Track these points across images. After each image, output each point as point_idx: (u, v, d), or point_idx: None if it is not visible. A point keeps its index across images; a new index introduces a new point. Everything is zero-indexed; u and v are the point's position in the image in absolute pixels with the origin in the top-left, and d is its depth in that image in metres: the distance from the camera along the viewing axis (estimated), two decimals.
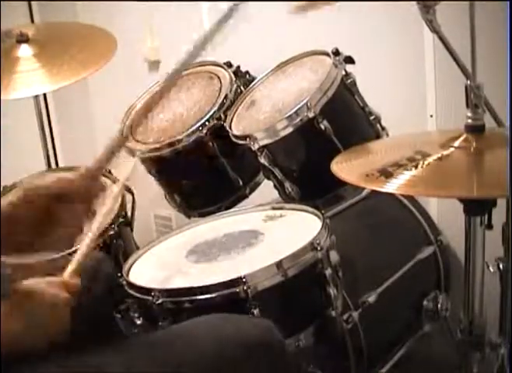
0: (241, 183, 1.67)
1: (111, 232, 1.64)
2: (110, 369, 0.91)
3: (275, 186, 1.60)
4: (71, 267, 0.99)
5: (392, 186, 1.01)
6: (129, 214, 1.73)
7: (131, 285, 1.26)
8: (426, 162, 1.04)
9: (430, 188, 1.03)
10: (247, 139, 1.48)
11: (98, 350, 0.95)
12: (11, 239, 0.94)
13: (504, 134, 1.17)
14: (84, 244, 1.03)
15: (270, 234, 1.39)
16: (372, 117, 1.54)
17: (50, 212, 0.97)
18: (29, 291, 0.91)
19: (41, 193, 0.97)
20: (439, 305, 1.64)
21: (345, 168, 1.17)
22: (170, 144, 1.62)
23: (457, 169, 1.06)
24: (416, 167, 1.03)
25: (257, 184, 1.73)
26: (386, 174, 1.03)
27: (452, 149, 1.07)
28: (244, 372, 0.97)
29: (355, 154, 1.27)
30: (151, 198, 1.92)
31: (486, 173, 1.06)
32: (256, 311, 1.18)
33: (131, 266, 1.38)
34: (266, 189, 1.68)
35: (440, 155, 1.06)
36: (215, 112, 1.62)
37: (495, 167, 1.04)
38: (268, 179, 1.60)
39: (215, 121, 1.61)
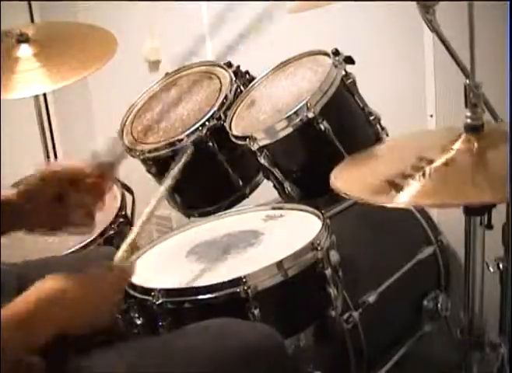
0: (241, 183, 1.67)
1: (111, 232, 1.64)
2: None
3: (274, 186, 1.60)
4: (121, 251, 1.07)
5: (406, 200, 0.99)
6: (129, 214, 1.74)
7: (131, 285, 1.26)
8: (432, 170, 1.02)
9: (445, 198, 1.00)
10: (247, 139, 1.48)
11: (102, 352, 0.97)
12: (29, 215, 1.05)
13: (503, 128, 1.16)
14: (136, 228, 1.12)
15: (270, 234, 1.39)
16: (372, 117, 1.54)
17: (62, 195, 1.07)
18: (85, 280, 0.96)
19: (55, 174, 1.07)
20: (439, 305, 1.64)
21: (349, 182, 1.13)
22: (170, 144, 1.62)
23: (464, 174, 1.04)
24: (424, 176, 1.02)
25: (257, 184, 1.73)
26: (396, 187, 1.00)
27: (455, 152, 1.06)
28: None
29: (355, 165, 1.24)
30: (151, 198, 1.92)
31: (492, 174, 1.05)
32: (256, 312, 1.18)
33: None
34: (266, 190, 1.68)
35: (444, 161, 1.04)
36: (215, 112, 1.61)
37: (501, 166, 1.02)
38: (268, 179, 1.60)
39: (215, 121, 1.61)
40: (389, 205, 1.00)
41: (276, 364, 1.02)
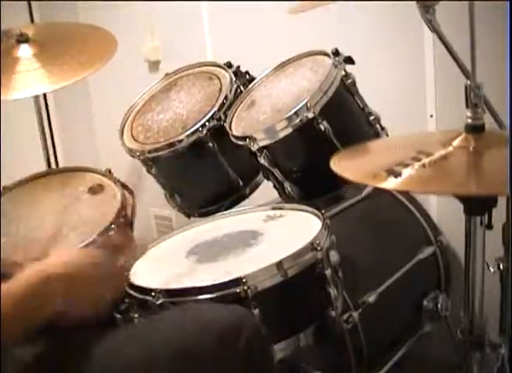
0: (241, 183, 1.67)
1: (111, 232, 1.63)
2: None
3: (274, 186, 1.60)
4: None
5: (401, 185, 1.00)
6: (129, 214, 1.73)
7: (131, 285, 1.26)
8: (431, 161, 1.03)
9: (440, 186, 1.03)
10: (247, 140, 1.48)
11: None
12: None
13: (503, 132, 1.17)
14: None
15: (270, 234, 1.39)
16: (372, 118, 1.54)
17: None
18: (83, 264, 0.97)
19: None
20: (439, 305, 1.64)
21: (347, 167, 1.15)
22: (170, 144, 1.62)
23: (460, 168, 1.05)
24: (424, 166, 1.02)
25: (257, 184, 1.73)
26: (393, 173, 1.01)
27: (453, 148, 1.07)
28: (218, 353, 1.02)
29: (354, 153, 1.25)
30: (151, 198, 1.92)
31: (486, 173, 1.06)
32: (256, 312, 1.18)
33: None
34: (266, 190, 1.68)
35: (442, 154, 1.05)
36: (215, 112, 1.61)
37: (496, 167, 1.03)
38: (268, 179, 1.60)
39: (215, 121, 1.61)
40: (384, 186, 1.01)
41: (249, 339, 1.04)
